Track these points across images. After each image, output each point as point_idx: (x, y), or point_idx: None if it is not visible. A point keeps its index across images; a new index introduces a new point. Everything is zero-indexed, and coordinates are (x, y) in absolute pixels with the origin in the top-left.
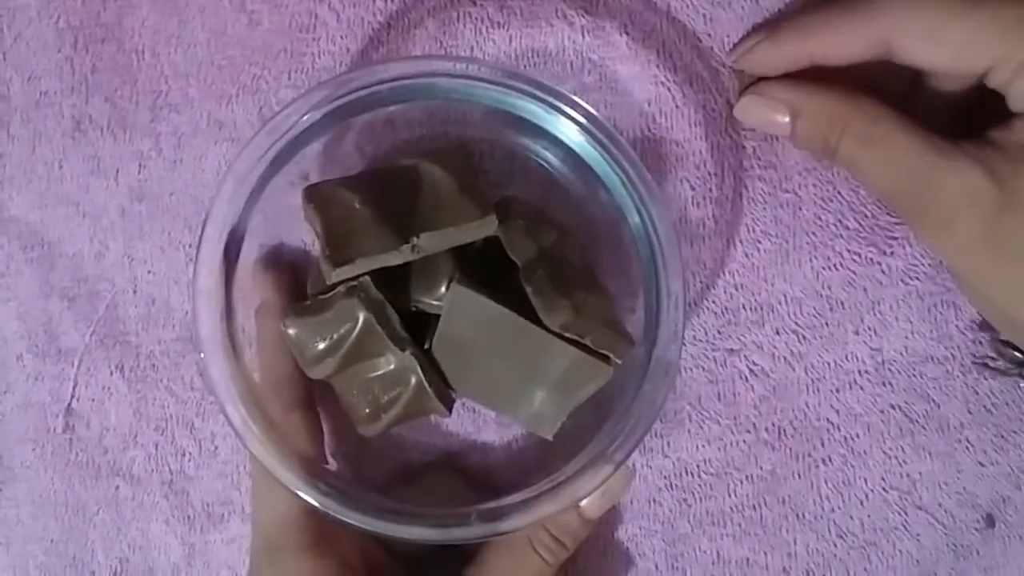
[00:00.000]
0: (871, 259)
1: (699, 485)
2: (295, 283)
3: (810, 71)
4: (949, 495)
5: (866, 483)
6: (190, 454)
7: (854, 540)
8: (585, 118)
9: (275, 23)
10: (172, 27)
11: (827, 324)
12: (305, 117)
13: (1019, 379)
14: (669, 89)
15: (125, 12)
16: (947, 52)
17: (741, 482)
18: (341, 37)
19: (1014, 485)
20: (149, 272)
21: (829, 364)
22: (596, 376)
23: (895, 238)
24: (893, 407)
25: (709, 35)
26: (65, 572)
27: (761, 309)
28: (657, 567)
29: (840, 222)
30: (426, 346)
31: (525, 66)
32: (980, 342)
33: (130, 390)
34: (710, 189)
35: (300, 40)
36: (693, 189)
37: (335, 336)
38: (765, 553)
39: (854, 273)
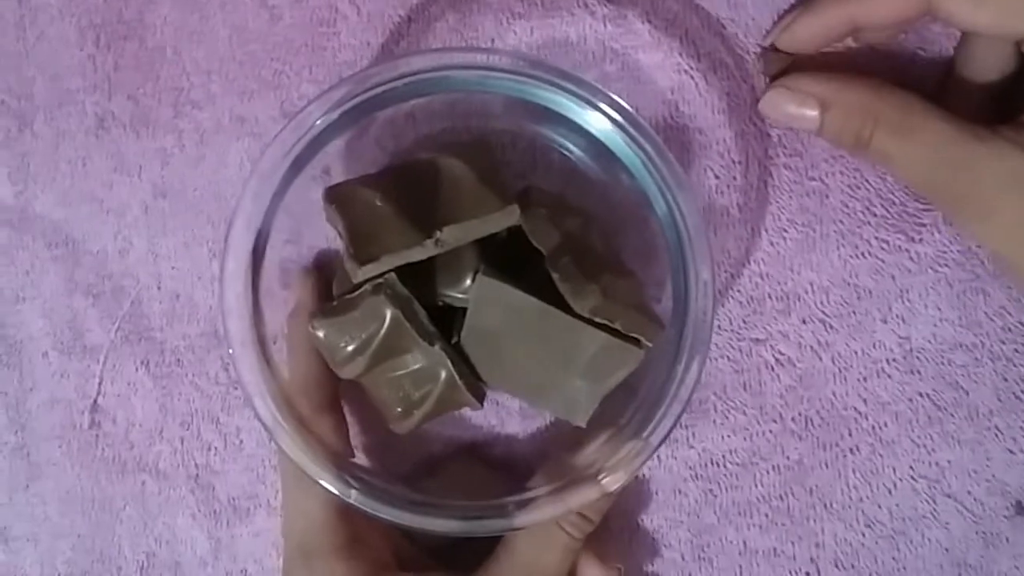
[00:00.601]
0: (899, 246)
1: (725, 475)
2: (325, 285)
3: (839, 65)
4: (978, 483)
5: (894, 472)
6: (216, 448)
7: (882, 529)
8: (609, 106)
9: (296, 18)
10: (193, 23)
11: (854, 313)
12: (327, 115)
13: None
14: (692, 77)
15: (147, 9)
16: (989, 11)
17: (767, 472)
18: (362, 31)
19: None
20: (173, 268)
21: (856, 353)
22: (627, 360)
23: (923, 225)
24: (921, 395)
25: (732, 20)
26: (92, 567)
27: (787, 298)
28: (683, 557)
29: (868, 209)
30: (454, 340)
31: (547, 56)
32: (1009, 328)
33: (155, 385)
34: (734, 177)
35: (321, 35)
36: (717, 177)
37: (363, 335)
38: (792, 543)
39: (882, 261)
